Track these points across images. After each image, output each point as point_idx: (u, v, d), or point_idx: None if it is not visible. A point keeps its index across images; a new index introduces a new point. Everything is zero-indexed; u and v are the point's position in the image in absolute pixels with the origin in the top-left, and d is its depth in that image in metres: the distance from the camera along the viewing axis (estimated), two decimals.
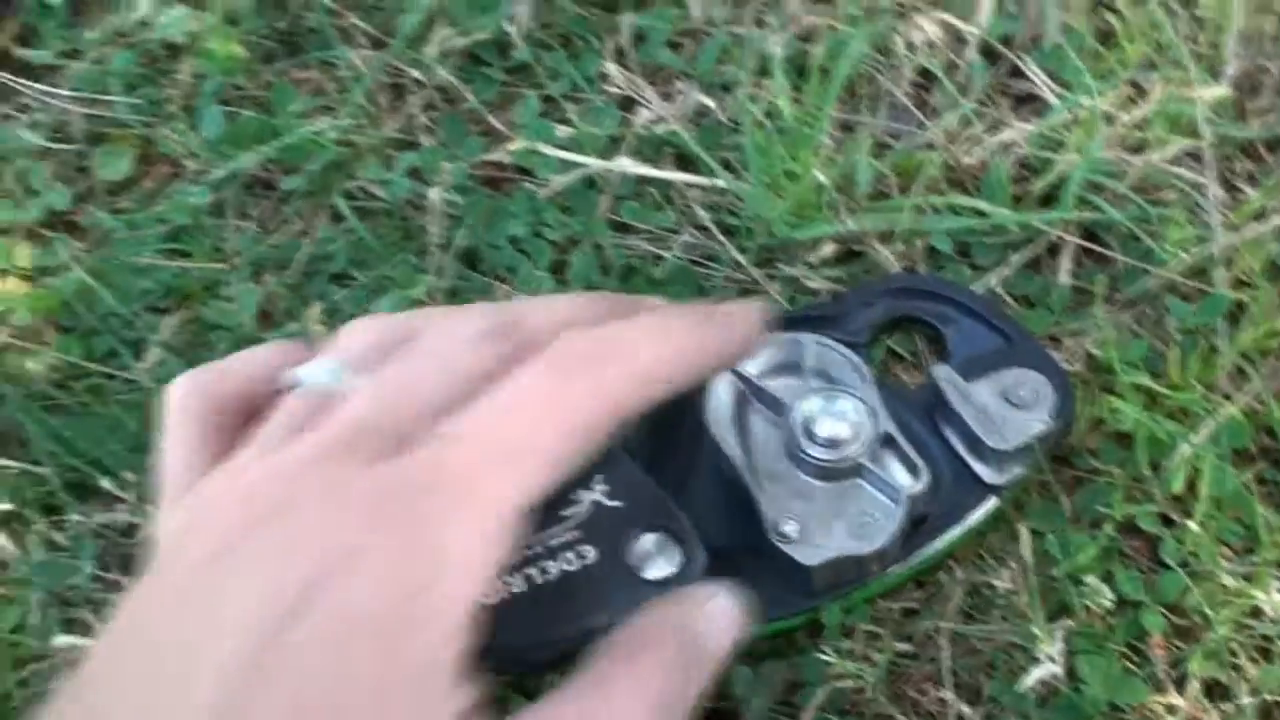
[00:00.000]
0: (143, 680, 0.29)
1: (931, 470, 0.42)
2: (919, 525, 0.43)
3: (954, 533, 0.43)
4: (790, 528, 0.41)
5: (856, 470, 0.42)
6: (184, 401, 0.37)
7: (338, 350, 0.37)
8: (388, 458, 0.31)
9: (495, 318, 0.36)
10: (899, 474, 0.42)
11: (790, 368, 0.45)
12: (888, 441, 0.42)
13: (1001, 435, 0.43)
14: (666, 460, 0.45)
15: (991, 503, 0.43)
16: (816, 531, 0.41)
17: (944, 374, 0.44)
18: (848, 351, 0.44)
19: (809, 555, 0.41)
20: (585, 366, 0.34)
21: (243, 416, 0.36)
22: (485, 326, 0.35)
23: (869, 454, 0.42)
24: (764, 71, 0.53)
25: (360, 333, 0.37)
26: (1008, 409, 0.43)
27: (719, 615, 0.37)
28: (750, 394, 0.44)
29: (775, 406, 0.44)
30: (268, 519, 0.30)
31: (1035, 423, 0.43)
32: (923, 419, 0.45)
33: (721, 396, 0.44)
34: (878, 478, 0.42)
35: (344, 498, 0.30)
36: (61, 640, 0.44)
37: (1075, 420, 0.45)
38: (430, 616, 0.29)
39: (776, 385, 0.44)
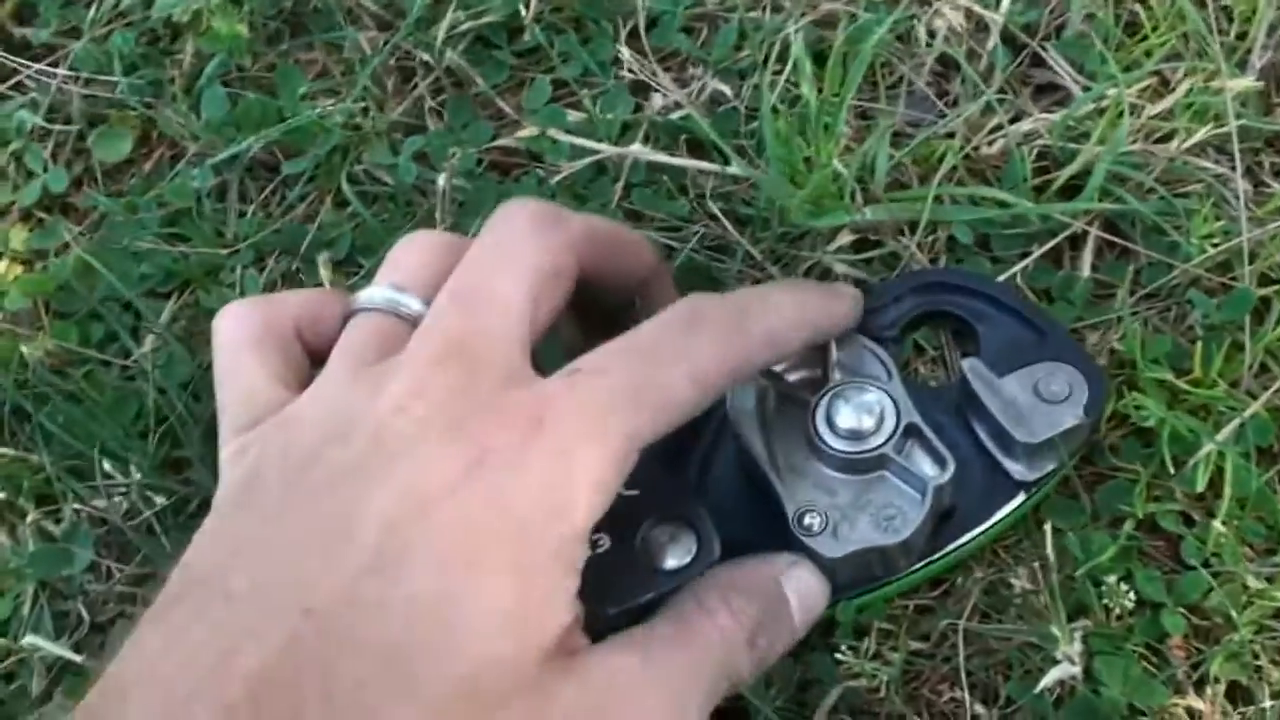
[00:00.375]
0: (299, 544, 0.32)
1: (959, 463, 0.41)
2: (946, 519, 0.42)
3: (981, 529, 0.42)
4: (813, 520, 0.40)
5: (881, 462, 0.41)
6: (238, 327, 0.38)
7: (393, 271, 0.39)
8: (519, 381, 0.34)
9: (534, 204, 0.38)
10: (925, 465, 0.41)
11: (813, 361, 0.44)
12: (913, 433, 0.41)
13: (1030, 429, 0.42)
14: (688, 452, 0.44)
15: (1020, 499, 0.43)
16: (841, 525, 0.41)
17: (972, 367, 0.43)
18: (873, 345, 0.43)
19: (833, 548, 0.40)
20: (716, 322, 0.36)
21: (294, 345, 0.39)
22: (532, 212, 0.38)
23: (893, 446, 0.41)
24: (780, 58, 0.52)
25: (410, 251, 0.39)
26: (1038, 403, 0.42)
27: (803, 580, 0.39)
28: (773, 386, 0.43)
29: (798, 400, 0.43)
30: (421, 423, 0.33)
31: (1067, 417, 0.42)
32: (952, 414, 0.44)
33: (744, 389, 0.43)
34: (903, 469, 0.41)
35: (499, 417, 0.33)
36: (29, 640, 0.43)
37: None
38: (563, 519, 0.33)
39: (799, 379, 0.43)
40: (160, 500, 0.46)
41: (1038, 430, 0.42)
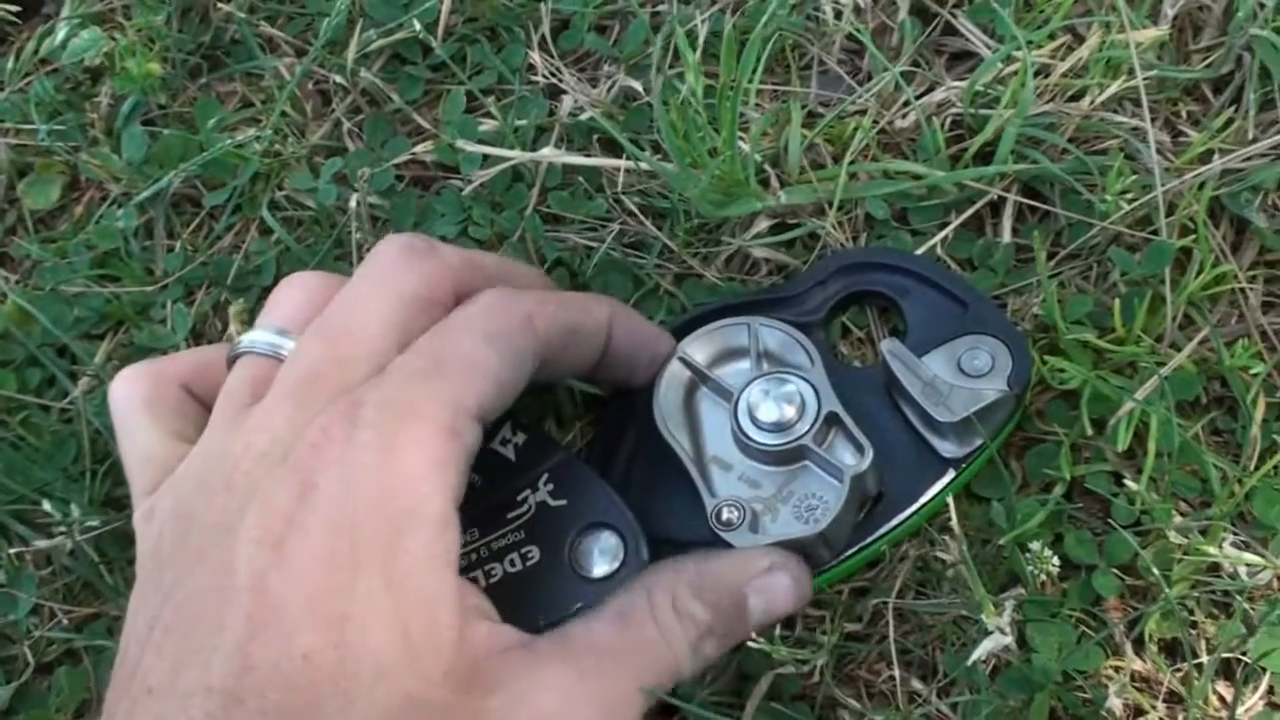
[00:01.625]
0: (190, 621, 0.32)
1: (884, 448, 0.41)
2: (876, 504, 0.42)
3: (911, 510, 0.42)
4: (731, 515, 0.40)
5: (801, 453, 0.41)
6: (129, 391, 0.39)
7: (273, 314, 0.40)
8: (346, 392, 0.34)
9: (406, 238, 0.39)
10: (845, 454, 0.41)
11: (738, 353, 0.44)
12: (834, 421, 0.41)
13: (950, 408, 0.41)
14: (614, 453, 0.44)
15: (949, 476, 0.42)
16: (763, 517, 0.40)
17: (890, 348, 0.42)
18: (796, 332, 0.43)
19: (750, 542, 0.40)
20: (494, 293, 0.38)
21: (186, 401, 0.40)
22: (400, 245, 0.39)
23: (814, 436, 0.41)
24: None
25: (289, 291, 0.40)
26: (961, 379, 0.42)
27: (774, 589, 0.39)
28: (699, 381, 0.43)
29: (723, 393, 0.43)
30: (260, 459, 0.34)
31: (989, 392, 0.42)
32: (880, 394, 0.44)
33: (670, 386, 0.43)
34: (823, 459, 0.41)
35: (316, 429, 0.33)
36: None
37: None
38: (413, 516, 0.33)
39: (725, 372, 0.43)
40: (103, 538, 0.46)
41: (958, 408, 0.41)
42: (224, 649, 0.31)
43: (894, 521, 0.42)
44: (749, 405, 0.41)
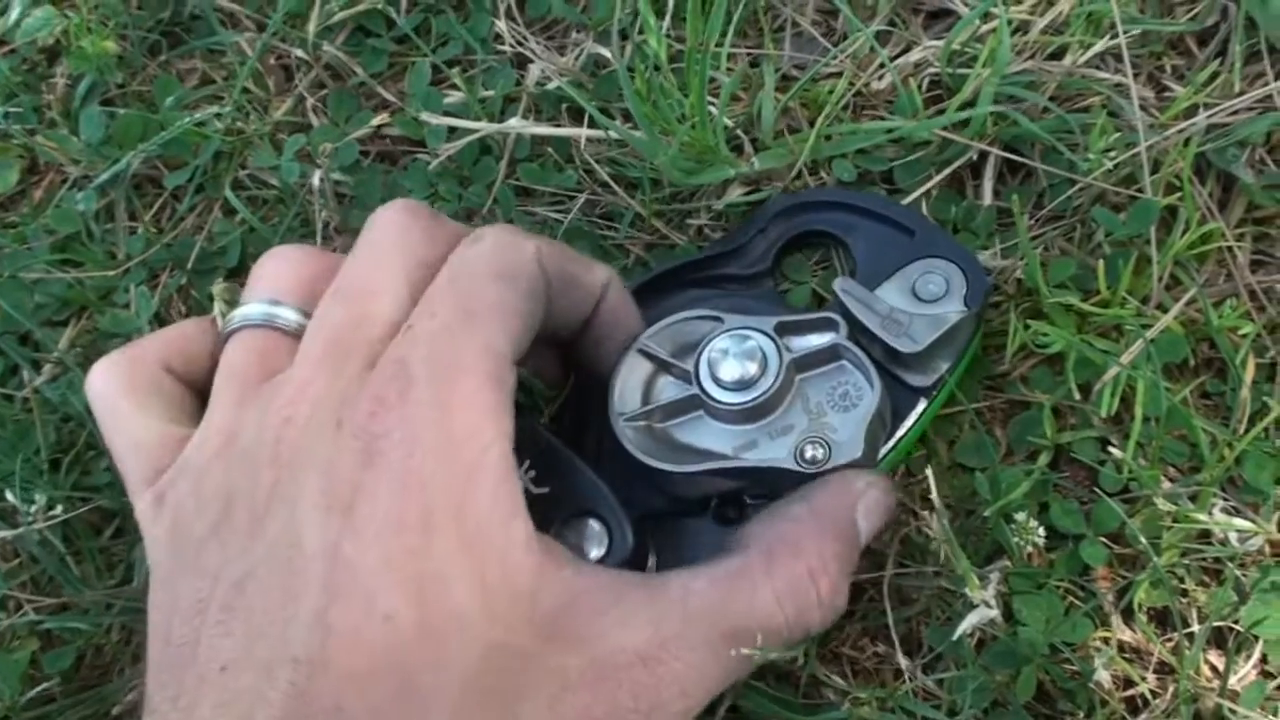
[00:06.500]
0: (257, 595, 0.32)
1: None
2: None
3: (890, 444, 0.41)
4: (816, 451, 0.39)
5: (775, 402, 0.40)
6: (107, 381, 0.38)
7: (259, 286, 0.39)
8: (376, 352, 0.34)
9: (410, 202, 0.38)
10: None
11: (691, 348, 0.42)
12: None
13: (911, 338, 0.40)
14: (584, 433, 0.43)
15: (921, 405, 0.41)
16: (834, 449, 0.39)
17: (843, 286, 0.41)
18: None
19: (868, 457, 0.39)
20: (508, 233, 0.37)
21: (168, 382, 0.38)
22: (408, 208, 0.38)
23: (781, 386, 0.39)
24: (658, 13, 0.50)
25: (272, 263, 0.39)
26: (918, 306, 0.41)
27: (874, 507, 0.38)
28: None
29: (686, 377, 0.41)
30: (306, 429, 0.33)
31: (949, 314, 0.41)
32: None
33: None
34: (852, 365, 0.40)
35: (369, 395, 0.33)
36: None
37: (992, 295, 0.43)
38: (478, 467, 0.32)
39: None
40: (71, 525, 0.45)
41: (921, 337, 0.40)
42: (302, 618, 0.31)
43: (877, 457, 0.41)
44: (711, 371, 0.40)
